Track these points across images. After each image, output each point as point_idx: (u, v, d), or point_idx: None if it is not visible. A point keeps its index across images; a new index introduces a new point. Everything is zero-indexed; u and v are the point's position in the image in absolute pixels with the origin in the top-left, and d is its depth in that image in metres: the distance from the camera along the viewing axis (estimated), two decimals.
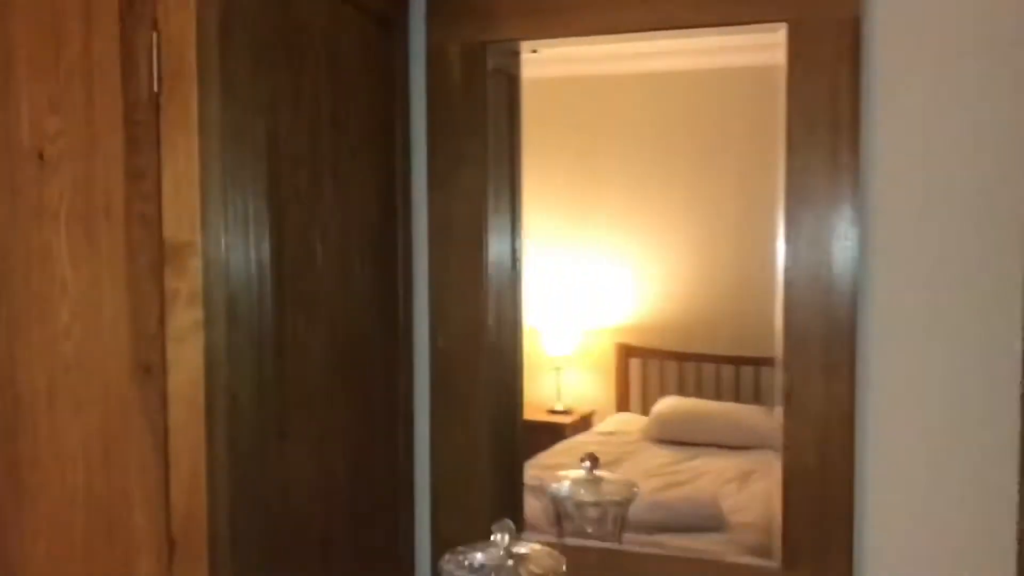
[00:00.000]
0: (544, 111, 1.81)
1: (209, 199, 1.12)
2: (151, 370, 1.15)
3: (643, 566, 1.57)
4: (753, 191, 1.88)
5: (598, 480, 1.74)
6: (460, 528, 1.59)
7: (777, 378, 1.48)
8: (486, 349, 1.62)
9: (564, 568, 1.38)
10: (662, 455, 2.31)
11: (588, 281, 2.27)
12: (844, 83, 1.40)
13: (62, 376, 1.20)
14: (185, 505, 1.14)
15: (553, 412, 2.60)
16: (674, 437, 2.26)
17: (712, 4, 1.46)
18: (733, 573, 1.54)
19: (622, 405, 2.29)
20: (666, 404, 2.29)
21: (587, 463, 1.75)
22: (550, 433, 2.54)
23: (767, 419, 1.94)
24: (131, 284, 1.15)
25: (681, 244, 2.09)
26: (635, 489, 1.77)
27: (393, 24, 1.56)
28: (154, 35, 1.11)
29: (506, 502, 1.68)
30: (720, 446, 2.32)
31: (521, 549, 1.39)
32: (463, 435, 1.63)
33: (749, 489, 2.28)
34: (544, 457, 2.37)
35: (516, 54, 1.68)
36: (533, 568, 1.35)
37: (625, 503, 1.72)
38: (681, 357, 2.18)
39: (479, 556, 1.37)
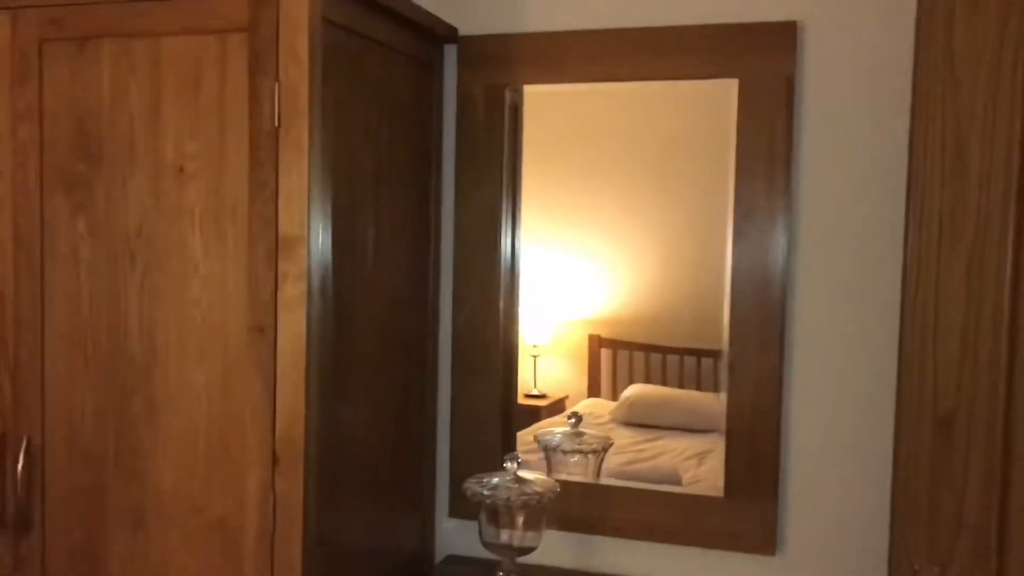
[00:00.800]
0: (535, 123, 2.17)
1: (312, 204, 1.53)
2: (264, 330, 1.56)
3: (614, 495, 2.00)
4: (712, 201, 2.19)
5: (581, 434, 2.16)
6: (471, 465, 2.02)
7: (724, 356, 1.91)
8: (494, 326, 2.05)
9: (557, 490, 1.81)
10: (629, 436, 2.56)
11: (566, 276, 2.33)
12: (781, 125, 1.84)
13: (191, 334, 1.61)
14: (287, 431, 1.55)
15: (529, 396, 2.87)
16: (640, 420, 2.40)
17: (682, 63, 1.89)
18: (687, 501, 1.97)
19: (593, 391, 2.38)
20: (633, 390, 2.43)
21: (572, 419, 2.17)
22: (527, 415, 2.79)
23: (722, 407, 2.13)
24: (251, 266, 1.56)
25: (649, 247, 2.29)
26: (610, 442, 2.18)
27: (431, 70, 1.98)
28: (276, 84, 1.52)
29: (505, 448, 2.09)
30: (681, 429, 2.41)
31: (525, 475, 1.82)
32: (475, 393, 2.06)
33: (705, 466, 2.58)
34: (523, 435, 2.68)
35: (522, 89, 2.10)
36: (535, 487, 1.78)
37: (602, 451, 2.14)
38: (647, 348, 2.32)
39: (495, 479, 1.79)
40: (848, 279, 1.84)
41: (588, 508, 2.00)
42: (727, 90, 1.89)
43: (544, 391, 2.77)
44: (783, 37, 1.82)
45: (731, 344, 1.89)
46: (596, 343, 2.38)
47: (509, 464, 1.80)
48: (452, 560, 2.06)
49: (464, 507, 2.04)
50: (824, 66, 1.83)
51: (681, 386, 2.35)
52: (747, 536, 1.89)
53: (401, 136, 1.88)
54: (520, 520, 1.79)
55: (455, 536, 2.09)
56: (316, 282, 1.56)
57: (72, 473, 1.69)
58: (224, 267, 1.59)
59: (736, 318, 1.88)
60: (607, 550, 2.00)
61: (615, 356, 2.28)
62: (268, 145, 1.53)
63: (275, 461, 1.56)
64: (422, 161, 1.98)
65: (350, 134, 1.67)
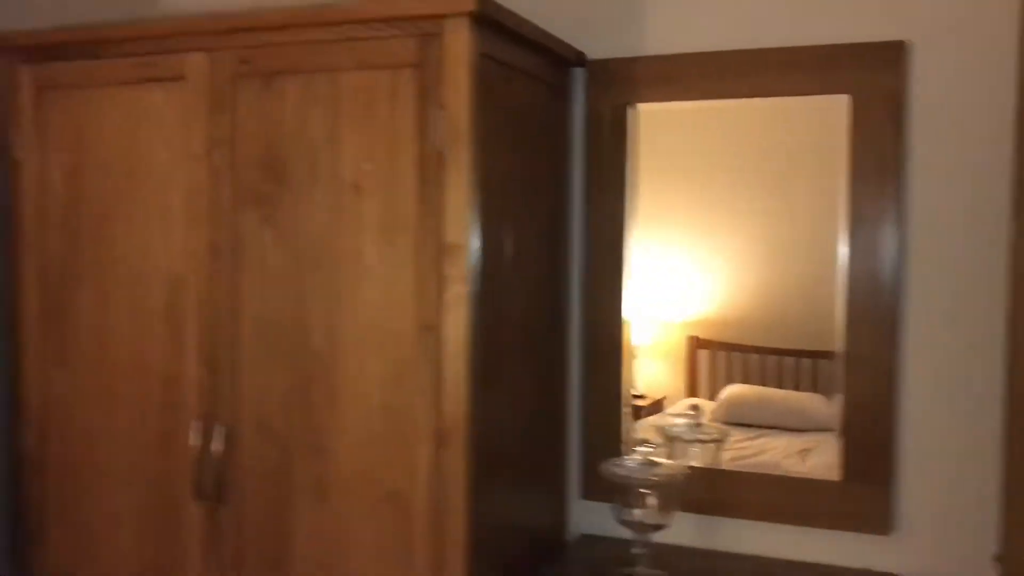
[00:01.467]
0: (653, 134, 2.33)
1: (472, 217, 1.75)
2: (430, 327, 1.78)
3: (736, 479, 2.17)
4: (814, 207, 2.30)
5: (700, 424, 2.33)
6: (599, 452, 2.21)
7: (837, 364, 2.05)
8: (618, 326, 2.24)
9: (687, 472, 1.99)
10: (730, 434, 2.72)
11: (667, 280, 2.39)
12: (890, 137, 1.98)
13: (366, 330, 1.84)
14: (452, 413, 1.77)
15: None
16: (739, 420, 2.44)
17: (796, 81, 2.05)
18: (805, 485, 2.12)
19: (691, 392, 2.43)
20: (732, 390, 2.46)
21: (693, 410, 2.34)
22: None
23: (823, 406, 2.26)
24: (418, 271, 1.78)
25: (747, 251, 2.34)
26: (728, 432, 2.34)
27: (562, 92, 2.19)
28: (440, 112, 1.74)
29: (628, 437, 2.28)
30: (781, 428, 2.44)
31: (656, 459, 2.00)
32: (601, 386, 2.25)
33: (810, 462, 2.68)
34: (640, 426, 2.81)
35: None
36: (666, 470, 1.96)
37: (721, 440, 2.31)
38: (745, 349, 2.36)
39: (630, 462, 1.98)
40: (956, 278, 1.98)
41: (711, 491, 2.17)
42: (831, 103, 2.03)
43: (643, 392, 2.89)
44: (893, 55, 1.97)
45: (847, 342, 2.04)
46: (694, 344, 2.45)
47: (643, 449, 1.99)
48: (585, 538, 2.25)
49: (595, 489, 2.24)
50: (932, 82, 1.97)
51: (779, 386, 2.38)
52: (864, 516, 2.03)
53: (538, 153, 2.09)
54: (653, 500, 1.97)
55: (588, 516, 2.28)
56: (474, 285, 1.78)
57: (262, 451, 1.94)
58: (395, 272, 1.82)
59: (852, 318, 2.03)
60: (729, 530, 2.17)
61: (713, 357, 2.37)
62: (434, 166, 1.76)
63: (441, 441, 1.78)
64: (554, 175, 2.18)
65: (499, 153, 1.88)
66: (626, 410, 2.28)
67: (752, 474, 2.18)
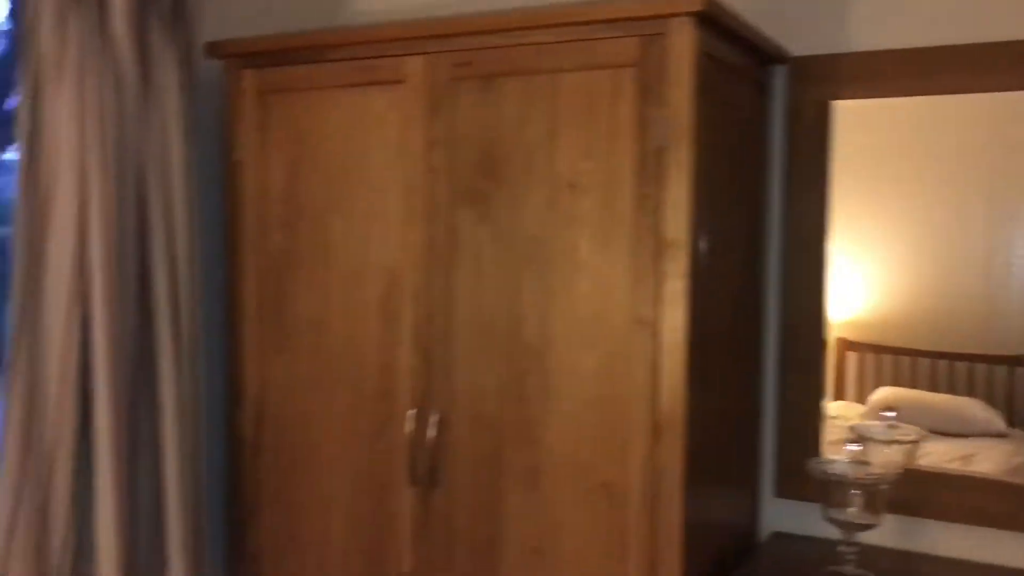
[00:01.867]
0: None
1: (691, 214, 1.78)
2: (645, 323, 1.82)
3: (938, 480, 2.13)
4: (992, 209, 2.19)
5: (896, 425, 2.30)
6: (793, 450, 2.21)
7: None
8: (817, 324, 2.22)
9: (899, 472, 1.97)
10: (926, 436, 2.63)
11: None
12: None
13: (579, 324, 1.89)
14: (669, 407, 1.80)
15: None
16: (868, 434, 2.34)
17: (1002, 76, 2.00)
18: (1010, 488, 2.07)
19: (838, 395, 2.38)
20: (884, 393, 2.40)
21: (889, 411, 2.30)
22: None
23: (982, 411, 2.21)
24: (634, 267, 1.82)
25: (903, 252, 2.35)
26: (924, 433, 2.30)
27: (764, 89, 2.19)
28: (662, 110, 1.78)
29: (821, 437, 2.26)
30: (937, 432, 2.38)
31: (865, 459, 1.99)
32: (797, 385, 2.25)
33: (972, 468, 2.63)
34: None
35: None
36: (877, 469, 1.95)
37: (918, 441, 2.27)
38: (896, 352, 2.31)
39: (838, 460, 1.98)
40: None
41: (913, 492, 2.13)
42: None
43: None
44: None
45: None
46: (843, 346, 2.41)
47: (852, 448, 1.98)
48: (777, 537, 2.25)
49: (789, 488, 2.24)
50: None
51: (933, 391, 2.33)
52: None
53: (742, 150, 2.10)
54: (860, 499, 1.96)
55: (780, 515, 2.28)
56: (692, 280, 1.80)
57: (474, 440, 2.01)
58: (610, 268, 1.86)
59: None
60: (930, 532, 2.13)
61: (861, 360, 2.32)
62: (654, 163, 1.79)
63: (657, 433, 1.82)
64: (755, 172, 2.19)
65: (713, 150, 1.90)
66: (825, 410, 2.27)
67: (956, 476, 2.14)
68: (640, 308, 1.82)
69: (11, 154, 2.26)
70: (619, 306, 1.85)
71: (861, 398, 2.31)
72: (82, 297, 1.94)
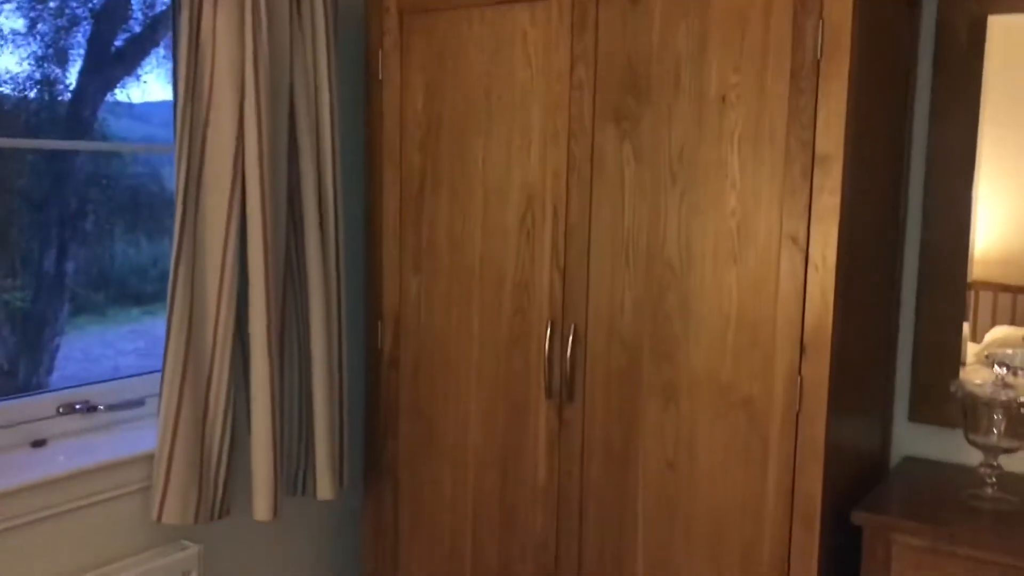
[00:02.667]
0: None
1: (847, 128, 1.75)
2: (796, 239, 1.81)
3: None
4: None
5: None
6: (930, 374, 2.19)
7: None
8: (962, 246, 2.18)
9: None
10: None
11: None
12: None
13: (725, 241, 1.89)
14: (815, 324, 1.80)
15: None
16: (1007, 362, 2.27)
17: None
18: None
19: None
20: (1000, 332, 2.35)
21: None
22: None
23: None
24: (786, 181, 1.81)
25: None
26: None
27: (916, 4, 2.12)
28: (820, 22, 1.74)
29: (960, 360, 2.23)
30: None
31: (1011, 381, 1.96)
32: (937, 309, 2.21)
33: None
34: None
35: None
36: (1018, 393, 1.92)
37: None
38: (1013, 290, 2.26)
39: (984, 382, 1.95)
40: None
41: None
42: None
43: None
44: None
45: None
46: None
47: (998, 369, 1.95)
48: (910, 460, 2.24)
49: (923, 412, 2.22)
50: None
51: None
52: None
53: (894, 67, 2.05)
54: (1005, 422, 1.93)
55: (912, 439, 2.26)
56: (848, 196, 1.78)
57: (610, 355, 2.05)
58: (758, 184, 1.85)
59: None
60: None
61: (977, 297, 2.26)
62: (809, 75, 1.77)
63: (803, 350, 1.82)
64: (905, 89, 2.14)
65: (867, 66, 1.86)
66: (961, 331, 2.23)
67: None
68: (790, 223, 1.82)
69: (120, 94, 2.37)
70: (767, 222, 1.85)
71: (976, 336, 2.26)
72: (239, 212, 2.02)
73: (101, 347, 2.36)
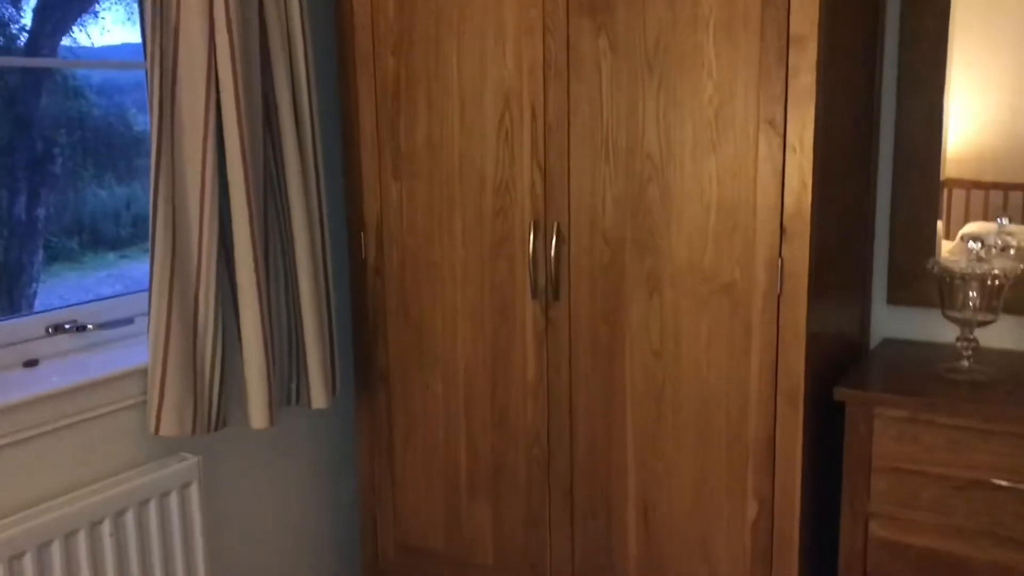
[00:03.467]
0: None
1: (821, 7, 1.75)
2: (774, 122, 1.82)
3: None
4: None
5: (1010, 232, 2.28)
6: (907, 258, 2.23)
7: None
8: (936, 129, 2.20)
9: (1020, 268, 1.99)
10: None
11: None
12: None
13: (704, 129, 1.91)
14: (795, 206, 1.83)
15: None
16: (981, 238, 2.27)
17: None
18: None
19: None
20: (974, 227, 2.38)
21: (1001, 220, 2.29)
22: None
23: None
24: (762, 65, 1.81)
25: (1000, 79, 2.16)
26: None
27: None
28: None
29: (935, 243, 2.27)
30: None
31: (984, 256, 2.00)
32: (913, 191, 2.24)
33: None
34: None
35: None
36: (1000, 264, 1.97)
37: None
38: (985, 186, 2.29)
39: (959, 259, 2.00)
40: None
41: None
42: None
43: None
44: None
45: None
46: None
47: (972, 245, 2.00)
48: (889, 342, 2.30)
49: (901, 295, 2.28)
50: None
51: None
52: None
53: (850, 17, 2.04)
54: (979, 296, 1.98)
55: (891, 322, 2.32)
56: (821, 77, 1.79)
57: (593, 251, 2.07)
58: (735, 69, 1.85)
59: None
60: None
61: (950, 194, 2.30)
62: None
63: (783, 233, 1.85)
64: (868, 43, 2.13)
65: None
66: (937, 214, 2.27)
67: None
68: (768, 108, 1.83)
69: (78, 33, 2.30)
70: (744, 107, 1.86)
71: (949, 234, 2.30)
72: (215, 125, 2.00)
73: (80, 293, 2.35)
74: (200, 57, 1.96)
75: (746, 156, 1.87)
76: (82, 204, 2.37)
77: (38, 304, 2.24)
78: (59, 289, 2.31)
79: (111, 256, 2.45)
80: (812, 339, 1.90)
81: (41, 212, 2.28)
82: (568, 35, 2.01)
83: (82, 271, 2.40)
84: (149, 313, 2.00)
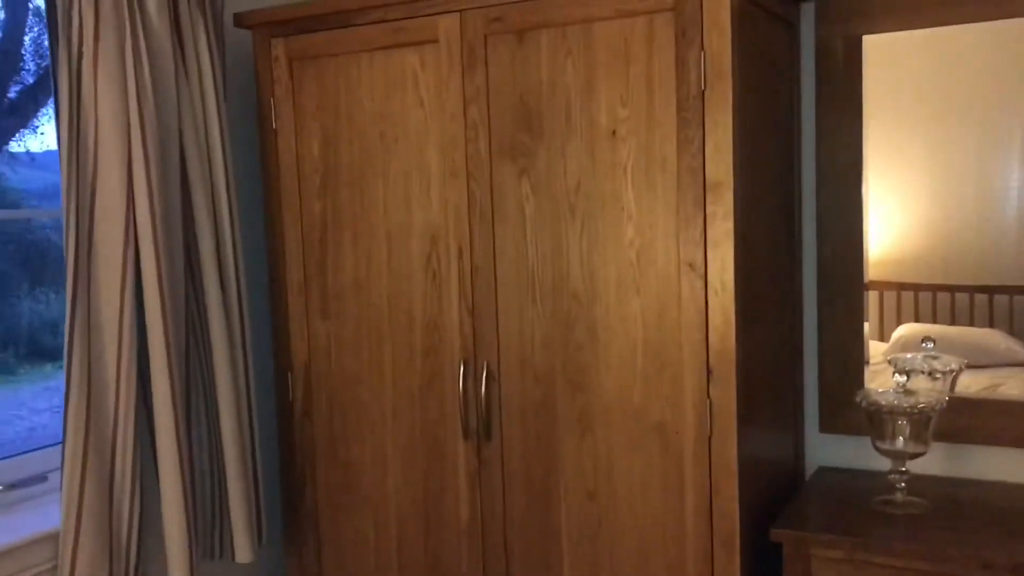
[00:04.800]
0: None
1: (735, 154, 1.79)
2: (694, 265, 1.84)
3: (980, 407, 2.16)
4: (994, 143, 2.13)
5: (935, 356, 2.32)
6: (836, 385, 2.25)
7: None
8: (856, 259, 2.24)
9: (945, 400, 2.00)
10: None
11: None
12: None
13: (627, 270, 1.92)
14: (721, 347, 1.83)
15: None
16: (906, 367, 2.32)
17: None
18: None
19: None
20: (905, 330, 2.40)
21: (926, 343, 2.32)
22: None
23: (1004, 340, 2.23)
24: (680, 211, 1.84)
25: (917, 188, 2.22)
26: (964, 362, 2.31)
27: (792, 27, 2.19)
28: (701, 53, 1.79)
29: (862, 371, 2.29)
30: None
31: (912, 388, 2.02)
32: (838, 320, 2.27)
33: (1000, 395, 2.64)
34: None
35: None
36: (923, 398, 1.98)
37: (957, 371, 2.29)
38: (916, 288, 2.32)
39: (885, 391, 2.01)
40: None
41: (959, 420, 2.16)
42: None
43: None
44: None
45: None
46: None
47: (898, 378, 2.01)
48: (824, 471, 2.29)
49: (833, 423, 2.28)
50: None
51: (953, 323, 2.31)
52: None
53: (775, 88, 2.11)
54: (908, 428, 1.99)
55: (824, 449, 2.31)
56: (740, 221, 1.82)
57: (524, 391, 2.05)
58: (654, 213, 1.88)
59: None
60: (977, 458, 2.16)
61: (881, 297, 2.33)
62: (695, 106, 1.81)
63: (709, 373, 1.85)
64: (787, 110, 2.20)
65: (749, 91, 1.91)
66: (862, 343, 2.29)
67: (1001, 401, 2.17)
68: (688, 251, 1.85)
69: (16, 145, 2.30)
70: (666, 250, 1.88)
71: (883, 336, 2.33)
72: (134, 273, 1.97)
73: (14, 407, 2.27)
74: (118, 211, 1.94)
75: (669, 297, 1.88)
76: (16, 317, 2.31)
77: None
78: None
79: (48, 367, 2.38)
80: (745, 476, 1.89)
81: None
82: (492, 178, 2.03)
83: (17, 383, 2.33)
84: (62, 471, 1.92)
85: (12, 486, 2.03)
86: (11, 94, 2.33)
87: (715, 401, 1.85)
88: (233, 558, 2.16)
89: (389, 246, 2.17)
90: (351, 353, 2.26)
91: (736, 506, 1.85)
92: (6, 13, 2.25)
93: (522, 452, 2.07)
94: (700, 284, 1.84)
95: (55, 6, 1.92)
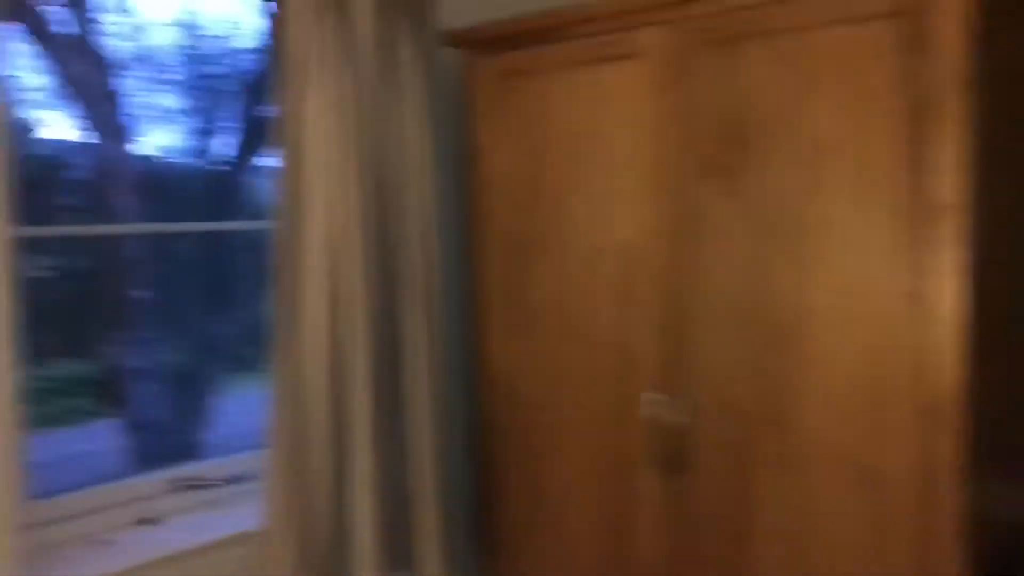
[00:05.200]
0: None
1: (970, 174, 1.59)
2: (915, 296, 1.65)
3: None
4: None
5: None
6: None
7: None
8: None
9: None
10: None
11: None
12: None
13: (837, 302, 1.75)
14: (945, 390, 1.63)
15: None
16: None
17: None
18: None
19: None
20: None
21: None
22: None
23: None
24: (902, 235, 1.66)
25: None
26: None
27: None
28: (931, 60, 1.60)
29: None
30: None
31: None
32: None
33: None
34: None
35: None
36: None
37: None
38: None
39: None
40: None
41: None
42: None
43: None
44: None
45: None
46: None
47: None
48: None
49: None
50: None
51: None
52: None
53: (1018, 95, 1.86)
54: None
55: None
56: (972, 247, 1.61)
57: (721, 423, 1.92)
58: (871, 238, 1.70)
59: None
60: None
61: None
62: (922, 120, 1.62)
63: (931, 415, 1.65)
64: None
65: (988, 102, 1.69)
66: None
67: None
68: (908, 279, 1.66)
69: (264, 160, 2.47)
70: (883, 279, 1.70)
71: None
72: (336, 287, 2.04)
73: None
74: (322, 230, 2.02)
75: (885, 330, 1.69)
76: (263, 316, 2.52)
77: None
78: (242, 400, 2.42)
79: None
80: (972, 535, 1.66)
81: (228, 328, 2.47)
82: (692, 198, 1.93)
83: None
84: (264, 474, 2.01)
85: (227, 481, 2.17)
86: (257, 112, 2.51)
87: (935, 451, 1.65)
88: (423, 572, 2.18)
89: (584, 266, 2.12)
90: (546, 374, 2.22)
91: (956, 569, 1.64)
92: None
93: (716, 489, 1.94)
94: (922, 317, 1.65)
95: (277, 29, 2.04)
